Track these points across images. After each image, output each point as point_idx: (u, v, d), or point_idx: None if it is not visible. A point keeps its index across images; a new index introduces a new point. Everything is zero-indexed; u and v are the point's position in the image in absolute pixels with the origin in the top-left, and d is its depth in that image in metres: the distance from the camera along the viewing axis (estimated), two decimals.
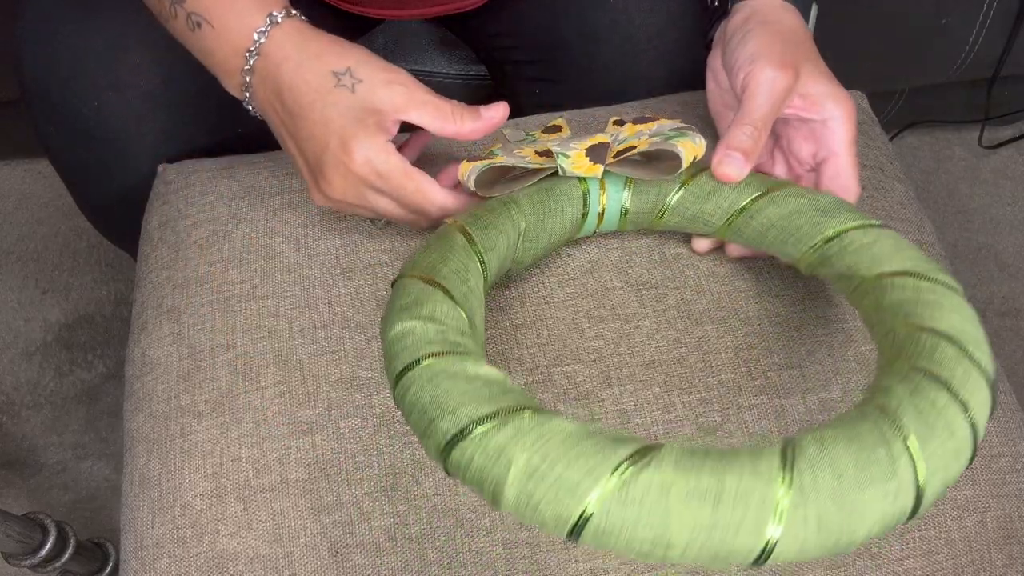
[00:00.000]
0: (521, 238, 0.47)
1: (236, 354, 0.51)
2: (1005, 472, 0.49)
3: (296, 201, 0.56)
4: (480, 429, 0.33)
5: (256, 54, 0.47)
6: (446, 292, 0.40)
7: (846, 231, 0.44)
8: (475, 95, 0.84)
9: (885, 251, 0.42)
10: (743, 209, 0.47)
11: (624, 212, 0.50)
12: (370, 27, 0.79)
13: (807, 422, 0.48)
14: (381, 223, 0.54)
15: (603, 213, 0.50)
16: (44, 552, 0.73)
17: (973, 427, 0.34)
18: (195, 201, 0.57)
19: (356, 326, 0.51)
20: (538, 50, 0.68)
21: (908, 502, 0.32)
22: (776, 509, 0.30)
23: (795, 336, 0.51)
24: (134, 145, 0.62)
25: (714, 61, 0.54)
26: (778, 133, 0.53)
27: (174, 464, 0.49)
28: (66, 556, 0.76)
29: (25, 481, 0.96)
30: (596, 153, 0.48)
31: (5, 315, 1.06)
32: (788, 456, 0.32)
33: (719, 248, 0.54)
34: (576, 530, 0.31)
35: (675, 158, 0.46)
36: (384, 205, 0.49)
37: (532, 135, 0.55)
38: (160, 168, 0.61)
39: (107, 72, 0.59)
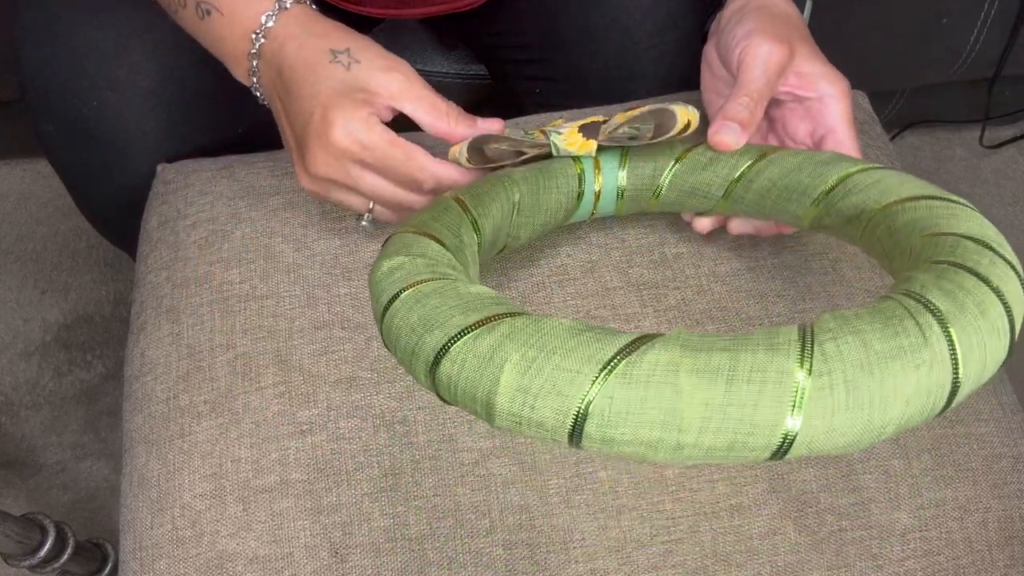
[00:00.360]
0: (516, 210, 0.46)
1: (236, 354, 0.51)
2: (1006, 473, 0.49)
3: (296, 201, 0.56)
4: (470, 334, 0.30)
5: (263, 36, 0.47)
6: (438, 240, 0.38)
7: (849, 175, 0.42)
8: (475, 95, 0.84)
9: (891, 184, 0.40)
10: (741, 176, 0.46)
11: (620, 193, 0.49)
12: (370, 27, 0.79)
13: None
14: (368, 218, 0.50)
15: (600, 193, 0.49)
16: (43, 552, 0.73)
17: (1008, 309, 0.30)
18: (194, 201, 0.57)
19: (356, 326, 0.51)
20: (538, 50, 0.68)
21: (945, 376, 0.28)
22: (797, 384, 0.27)
23: None
24: (134, 145, 0.61)
25: (709, 52, 0.54)
26: (772, 116, 0.53)
27: (173, 464, 0.49)
28: (65, 556, 0.76)
29: (24, 481, 0.96)
30: (589, 130, 0.48)
31: (4, 315, 1.06)
32: (807, 331, 0.28)
33: (720, 229, 0.53)
34: (578, 424, 0.28)
35: (671, 118, 0.45)
36: (370, 182, 0.47)
37: (531, 134, 0.55)
38: (160, 168, 0.61)
39: (107, 72, 0.59)
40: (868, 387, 0.27)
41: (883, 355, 0.28)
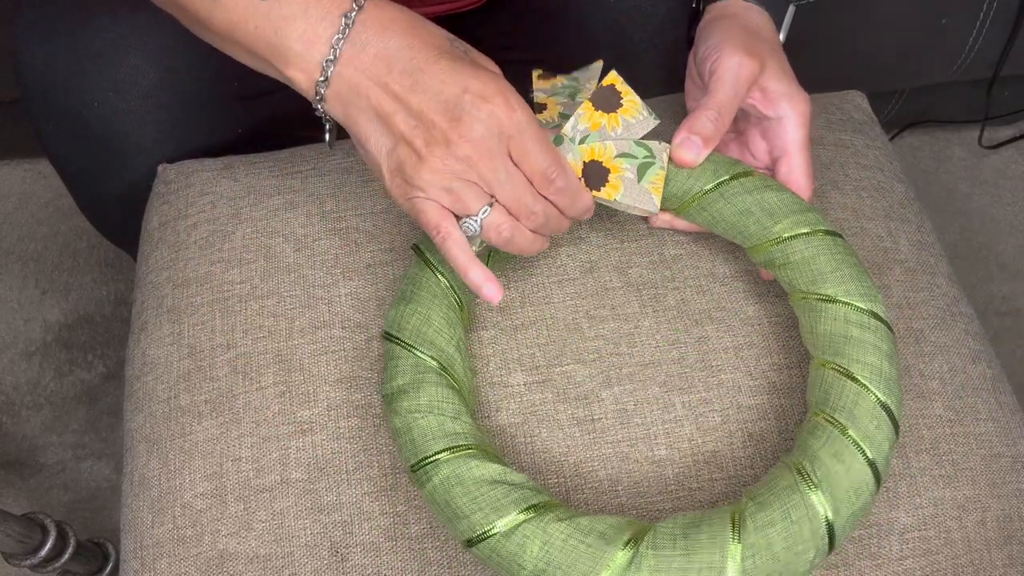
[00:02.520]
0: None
1: (236, 354, 0.51)
2: (1005, 472, 0.49)
3: (296, 201, 0.56)
4: (491, 539, 0.41)
5: (352, 22, 0.41)
6: (437, 365, 0.46)
7: (789, 239, 0.47)
8: None
9: (822, 268, 0.46)
10: (693, 200, 0.50)
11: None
12: None
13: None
14: (480, 219, 0.44)
15: None
16: (44, 552, 0.73)
17: (877, 477, 0.42)
18: (195, 201, 0.57)
19: (356, 326, 0.51)
20: (537, 50, 0.68)
21: (824, 551, 0.41)
22: None
23: (795, 336, 0.51)
24: (134, 145, 0.62)
25: (690, 59, 0.55)
26: (738, 129, 0.54)
27: (174, 464, 0.49)
28: (66, 556, 0.76)
29: (25, 481, 0.96)
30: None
31: (5, 315, 1.06)
32: (735, 539, 0.40)
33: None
34: None
35: (648, 201, 0.49)
36: (504, 176, 0.43)
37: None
38: (160, 168, 0.61)
39: (107, 72, 0.59)
40: None
41: (785, 563, 0.40)
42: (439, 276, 0.48)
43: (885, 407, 0.43)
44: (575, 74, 0.56)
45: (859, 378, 0.44)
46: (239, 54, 0.45)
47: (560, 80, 0.56)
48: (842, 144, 0.61)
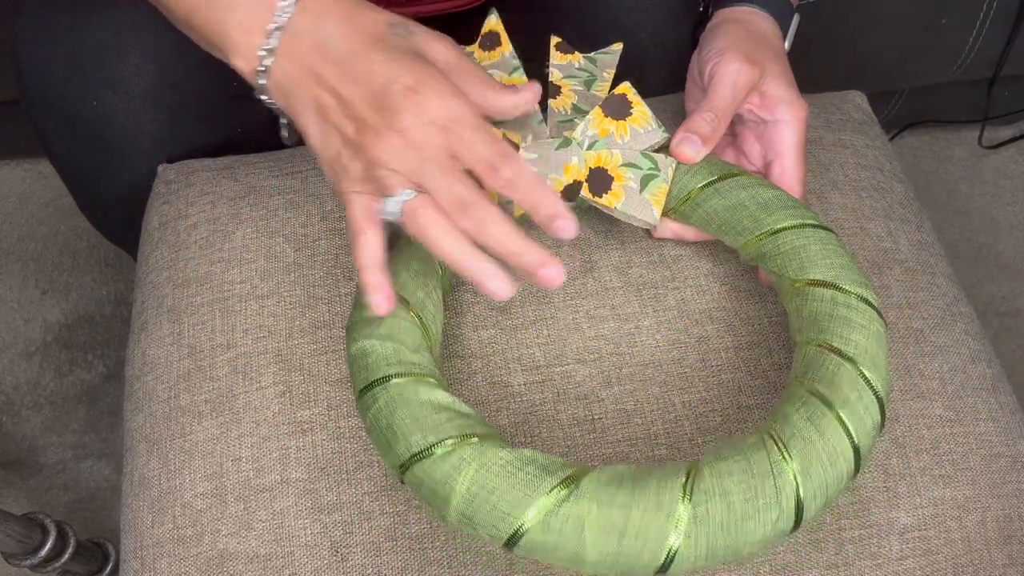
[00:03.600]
0: None
1: (236, 354, 0.51)
2: (1005, 472, 0.49)
3: (296, 201, 0.56)
4: (427, 459, 0.39)
5: (290, 9, 0.41)
6: (404, 302, 0.44)
7: (781, 230, 0.47)
8: None
9: (812, 256, 0.46)
10: (689, 196, 0.49)
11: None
12: None
13: None
14: (400, 201, 0.42)
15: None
16: (44, 552, 0.73)
17: (856, 449, 0.40)
18: (195, 201, 0.57)
19: None
20: (537, 49, 0.68)
21: (788, 526, 0.38)
22: (671, 540, 0.37)
23: None
24: (134, 145, 0.62)
25: (692, 62, 0.56)
26: (735, 132, 0.54)
27: (174, 464, 0.49)
28: (66, 556, 0.76)
29: (25, 481, 0.96)
30: (570, 193, 0.49)
31: (5, 315, 1.06)
32: (687, 488, 0.37)
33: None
34: (509, 546, 0.38)
35: (648, 212, 0.49)
36: (434, 168, 0.40)
37: (469, 53, 0.54)
38: (160, 168, 0.61)
39: (106, 72, 0.59)
40: (724, 544, 0.37)
41: (743, 516, 0.37)
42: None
43: (868, 381, 0.41)
44: (594, 55, 0.55)
45: (842, 350, 0.42)
46: (203, 45, 0.45)
47: (578, 58, 0.55)
48: (842, 144, 0.61)
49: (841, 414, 0.40)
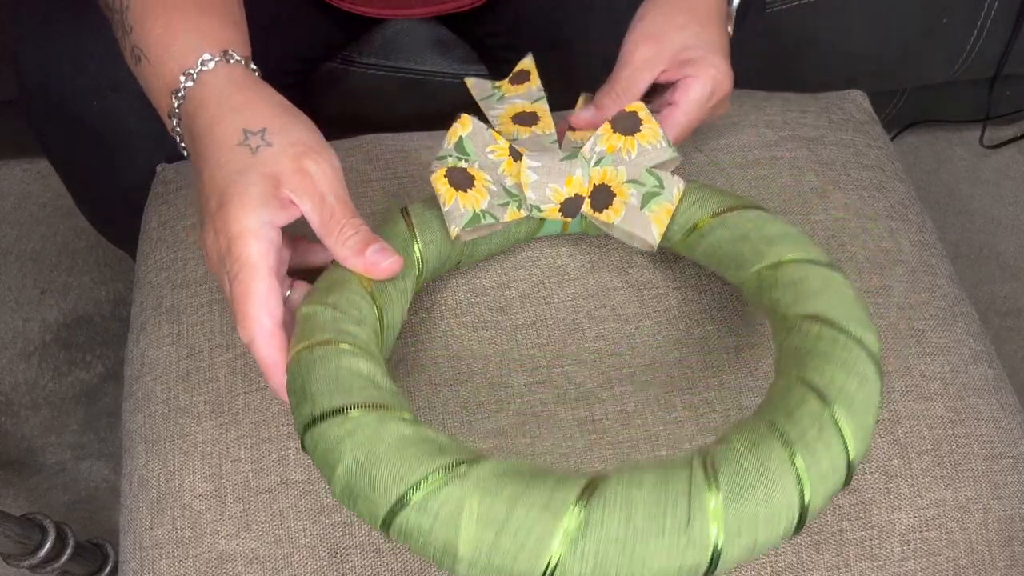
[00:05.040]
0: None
1: (235, 354, 0.51)
2: (1006, 473, 0.49)
3: None
4: (325, 422, 0.35)
5: (183, 98, 0.43)
6: (364, 283, 0.42)
7: (782, 263, 0.44)
8: None
9: (809, 290, 0.41)
10: (695, 227, 0.48)
11: (583, 215, 0.50)
12: (369, 27, 0.79)
13: None
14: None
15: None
16: (43, 553, 0.73)
17: (802, 497, 0.34)
18: (195, 201, 0.57)
19: None
20: (538, 49, 0.68)
21: (700, 560, 0.32)
22: (552, 551, 0.32)
23: None
24: (134, 145, 0.62)
25: None
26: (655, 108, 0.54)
27: (173, 465, 0.49)
28: (65, 557, 0.76)
29: (24, 481, 0.96)
30: (570, 207, 0.49)
31: (4, 315, 1.06)
32: (587, 490, 0.32)
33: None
34: (384, 526, 0.34)
35: (647, 230, 0.48)
36: (224, 284, 0.41)
37: (498, 87, 0.55)
38: (159, 168, 0.61)
39: (107, 72, 0.59)
40: (617, 561, 0.31)
41: (641, 533, 0.31)
42: (415, 244, 0.46)
43: (835, 421, 0.35)
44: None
45: (814, 383, 0.36)
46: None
47: None
48: (843, 144, 0.61)
49: (793, 446, 0.34)
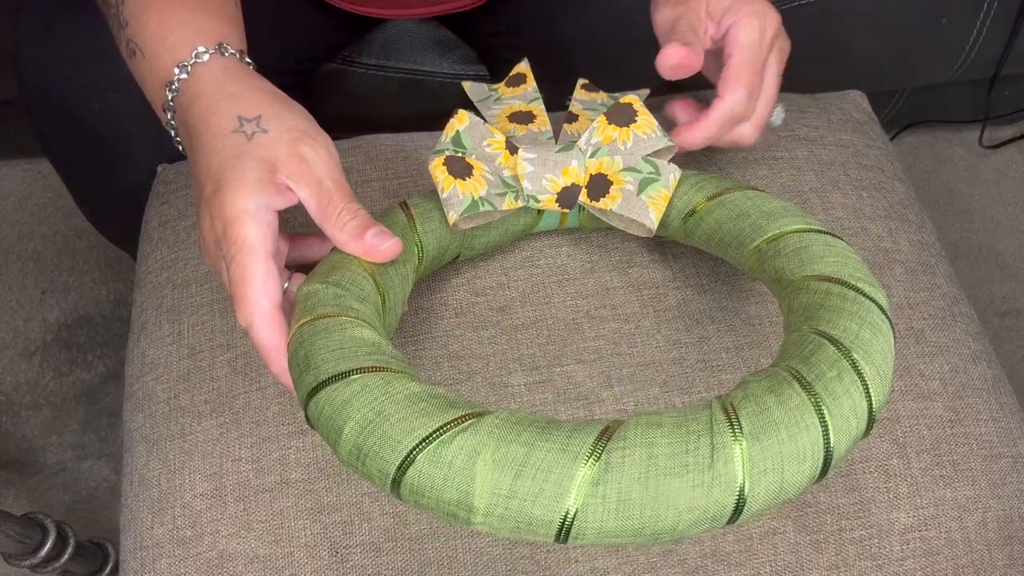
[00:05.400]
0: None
1: (236, 354, 0.51)
2: (1006, 472, 0.49)
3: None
4: (331, 385, 0.34)
5: (176, 90, 0.43)
6: (366, 265, 0.42)
7: (783, 234, 0.43)
8: None
9: (813, 255, 0.41)
10: (694, 210, 0.48)
11: (581, 207, 0.50)
12: (369, 27, 0.79)
13: None
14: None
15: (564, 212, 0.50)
16: (44, 552, 0.73)
17: (827, 438, 0.33)
18: (194, 198, 0.57)
19: None
20: (538, 49, 0.68)
21: (726, 499, 0.31)
22: (574, 491, 0.31)
23: None
24: (134, 145, 0.62)
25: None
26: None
27: (174, 464, 0.49)
28: (66, 556, 0.76)
29: (25, 481, 0.96)
30: (567, 197, 0.49)
31: (4, 315, 1.06)
32: (605, 434, 0.32)
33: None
34: (395, 484, 0.33)
35: (645, 215, 0.47)
36: (221, 272, 0.41)
37: (495, 89, 0.55)
38: (160, 168, 0.61)
39: (107, 72, 0.59)
40: (640, 500, 0.31)
41: (664, 471, 0.31)
42: (414, 233, 0.46)
43: (853, 363, 0.35)
44: (619, 94, 0.55)
45: (827, 332, 0.36)
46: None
47: (602, 96, 0.55)
48: (842, 144, 0.61)
49: (813, 387, 0.33)
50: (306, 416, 0.36)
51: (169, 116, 0.44)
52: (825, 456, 0.33)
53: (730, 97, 0.48)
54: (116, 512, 0.95)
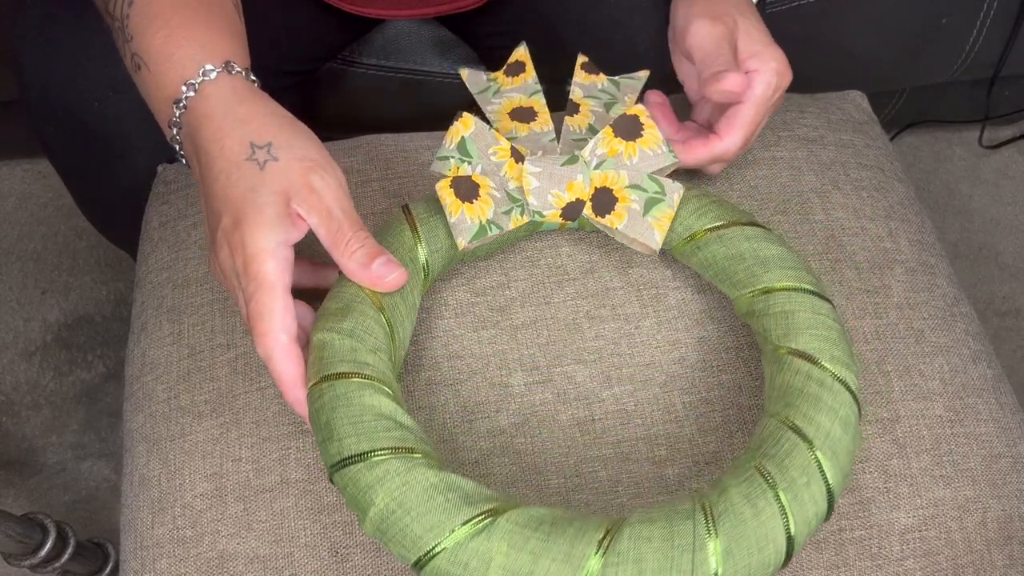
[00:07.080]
0: None
1: (236, 354, 0.51)
2: (1005, 473, 0.49)
3: None
4: (355, 465, 0.38)
5: (184, 108, 0.43)
6: (375, 301, 0.44)
7: (774, 290, 0.46)
8: None
9: (798, 324, 0.44)
10: (693, 237, 0.49)
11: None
12: (369, 27, 0.79)
13: None
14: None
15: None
16: (44, 552, 0.73)
17: (790, 540, 0.38)
18: (195, 201, 0.57)
19: None
20: (538, 50, 0.68)
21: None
22: None
23: None
24: (134, 145, 0.62)
25: (670, 36, 0.56)
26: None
27: (174, 464, 0.49)
28: (66, 556, 0.76)
29: (25, 481, 0.96)
30: (571, 212, 0.49)
31: (5, 315, 1.06)
32: (603, 545, 0.36)
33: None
34: (417, 567, 0.38)
35: (650, 236, 0.49)
36: (238, 300, 0.43)
37: (494, 79, 0.55)
38: (160, 168, 0.61)
39: (107, 72, 0.59)
40: None
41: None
42: (418, 245, 0.47)
43: (821, 467, 0.39)
44: (619, 78, 0.55)
45: (802, 430, 0.40)
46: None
47: (602, 79, 0.55)
48: (842, 144, 0.61)
49: (782, 498, 0.38)
50: (331, 479, 0.40)
51: (175, 132, 0.45)
52: (787, 554, 0.38)
53: (728, 140, 0.50)
54: (116, 512, 0.95)
